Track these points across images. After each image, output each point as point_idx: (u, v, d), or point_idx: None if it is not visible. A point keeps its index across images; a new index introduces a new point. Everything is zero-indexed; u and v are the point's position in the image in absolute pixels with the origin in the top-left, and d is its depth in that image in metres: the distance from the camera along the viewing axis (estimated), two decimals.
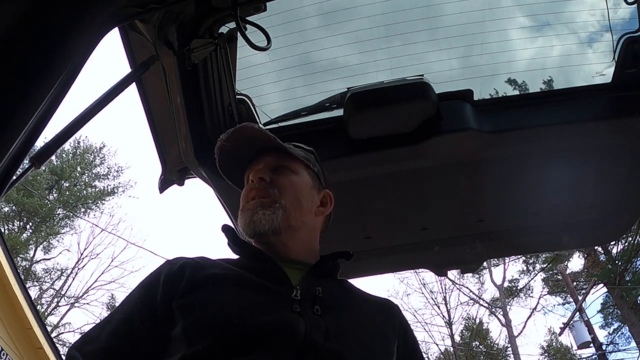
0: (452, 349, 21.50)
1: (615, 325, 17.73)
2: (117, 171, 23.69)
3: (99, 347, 0.97)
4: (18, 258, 19.21)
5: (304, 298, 1.02)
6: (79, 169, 23.16)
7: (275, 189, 1.18)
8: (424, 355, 1.27)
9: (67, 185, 22.71)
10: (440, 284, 21.50)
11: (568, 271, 17.73)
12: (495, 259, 19.29)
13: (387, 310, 1.22)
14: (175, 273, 1.07)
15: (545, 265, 20.46)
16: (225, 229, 1.22)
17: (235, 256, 1.21)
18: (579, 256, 18.12)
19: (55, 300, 20.26)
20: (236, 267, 1.11)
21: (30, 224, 21.18)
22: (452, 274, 17.97)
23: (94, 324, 1.07)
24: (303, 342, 0.94)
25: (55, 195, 22.38)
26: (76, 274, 21.00)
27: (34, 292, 19.42)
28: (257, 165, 1.23)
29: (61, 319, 19.81)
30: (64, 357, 0.98)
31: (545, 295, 20.90)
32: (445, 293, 21.92)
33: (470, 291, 21.99)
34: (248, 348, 0.92)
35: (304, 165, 1.27)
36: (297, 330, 0.95)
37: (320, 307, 1.02)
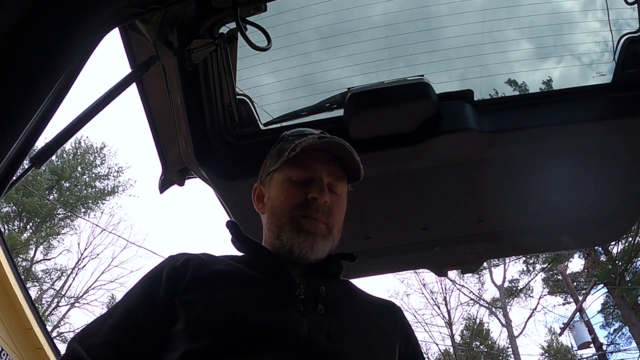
0: (452, 349, 21.49)
1: (616, 325, 17.73)
2: (118, 171, 23.75)
3: (100, 340, 0.95)
4: (18, 258, 19.20)
5: (307, 297, 1.02)
6: (79, 169, 23.17)
7: (332, 217, 1.14)
8: (425, 356, 1.27)
9: (67, 185, 22.72)
10: (441, 284, 21.53)
11: (568, 271, 17.72)
12: (496, 259, 19.29)
13: (390, 311, 1.21)
14: (179, 269, 1.05)
15: (545, 266, 20.46)
16: (230, 225, 1.21)
17: (238, 252, 1.20)
18: (579, 256, 18.15)
19: (55, 300, 20.28)
20: (240, 264, 1.10)
21: (31, 224, 21.19)
22: (453, 274, 17.99)
23: (95, 318, 1.06)
24: (306, 342, 0.93)
25: (55, 195, 22.38)
26: (76, 274, 21.05)
27: (34, 292, 19.42)
28: (316, 172, 1.15)
29: (61, 319, 19.82)
30: None
31: (545, 295, 20.94)
32: (446, 293, 21.93)
33: (471, 291, 22.02)
34: (251, 346, 0.91)
35: (346, 188, 1.24)
36: (300, 330, 0.94)
37: (323, 306, 1.02)
